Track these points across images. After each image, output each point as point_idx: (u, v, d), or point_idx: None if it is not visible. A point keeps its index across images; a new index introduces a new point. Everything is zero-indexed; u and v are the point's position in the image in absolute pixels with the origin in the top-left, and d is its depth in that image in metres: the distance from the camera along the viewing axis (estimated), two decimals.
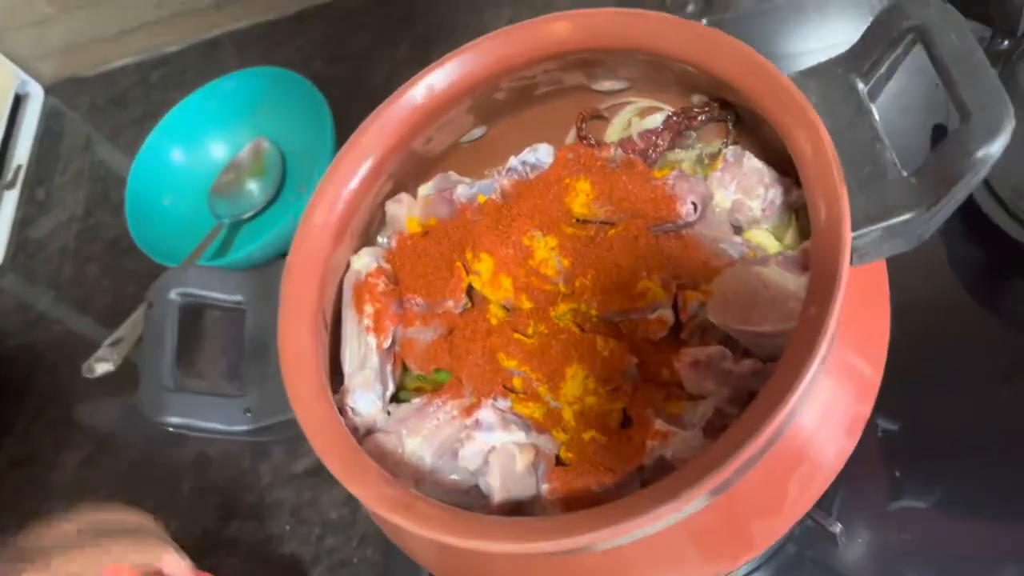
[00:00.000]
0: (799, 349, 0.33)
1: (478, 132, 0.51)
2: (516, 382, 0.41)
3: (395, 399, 0.45)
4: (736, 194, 0.43)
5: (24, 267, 0.84)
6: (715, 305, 0.40)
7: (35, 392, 0.75)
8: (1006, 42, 0.56)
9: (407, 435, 0.41)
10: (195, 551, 0.63)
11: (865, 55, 0.40)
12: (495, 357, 0.42)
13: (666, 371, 0.40)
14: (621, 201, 0.43)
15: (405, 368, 0.45)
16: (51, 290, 0.81)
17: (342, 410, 0.42)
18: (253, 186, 0.76)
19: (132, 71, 0.92)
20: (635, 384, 0.41)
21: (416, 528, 0.35)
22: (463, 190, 0.46)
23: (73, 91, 0.94)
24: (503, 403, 0.41)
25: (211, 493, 0.66)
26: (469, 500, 0.41)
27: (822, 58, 0.42)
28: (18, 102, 0.92)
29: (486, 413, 0.41)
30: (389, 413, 0.43)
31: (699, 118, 0.46)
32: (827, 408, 0.37)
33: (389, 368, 0.44)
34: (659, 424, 0.38)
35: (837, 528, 0.50)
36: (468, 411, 0.41)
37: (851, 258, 0.36)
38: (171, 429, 0.44)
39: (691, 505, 0.34)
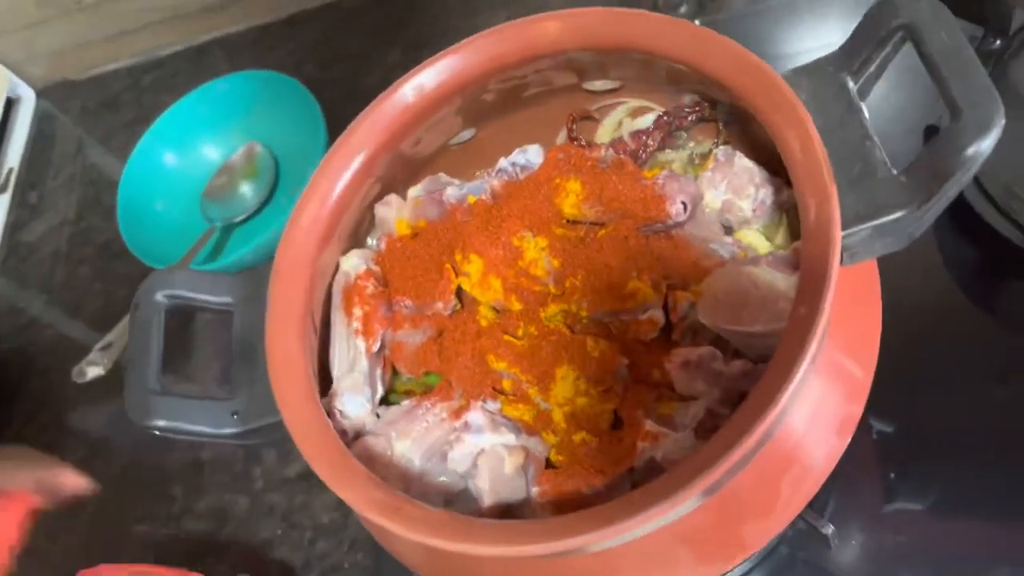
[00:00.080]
0: (789, 349, 0.33)
1: (467, 134, 0.50)
2: (506, 384, 0.41)
3: (385, 402, 0.45)
4: (726, 194, 0.42)
5: (16, 271, 0.84)
6: (705, 305, 0.39)
7: (27, 396, 0.75)
8: (998, 41, 0.56)
9: (396, 438, 0.40)
10: (186, 557, 0.63)
11: (855, 53, 0.40)
12: (485, 359, 0.41)
13: (657, 372, 0.40)
14: (611, 201, 0.42)
15: (395, 371, 0.45)
16: (43, 294, 0.81)
17: (330, 413, 0.41)
18: (246, 189, 0.76)
19: (124, 75, 0.92)
20: (626, 385, 0.40)
21: (404, 531, 0.35)
22: (453, 191, 0.46)
23: (65, 95, 0.94)
24: (493, 405, 0.41)
25: (203, 498, 0.65)
26: (459, 503, 0.40)
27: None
28: (9, 106, 0.92)
29: (475, 415, 0.41)
30: (378, 416, 0.43)
31: (690, 118, 0.46)
32: (818, 408, 0.37)
33: (378, 371, 0.44)
34: (650, 425, 0.38)
35: (830, 530, 0.49)
36: (457, 413, 0.41)
37: (841, 257, 0.36)
38: (158, 433, 0.43)
39: (682, 507, 0.33)
